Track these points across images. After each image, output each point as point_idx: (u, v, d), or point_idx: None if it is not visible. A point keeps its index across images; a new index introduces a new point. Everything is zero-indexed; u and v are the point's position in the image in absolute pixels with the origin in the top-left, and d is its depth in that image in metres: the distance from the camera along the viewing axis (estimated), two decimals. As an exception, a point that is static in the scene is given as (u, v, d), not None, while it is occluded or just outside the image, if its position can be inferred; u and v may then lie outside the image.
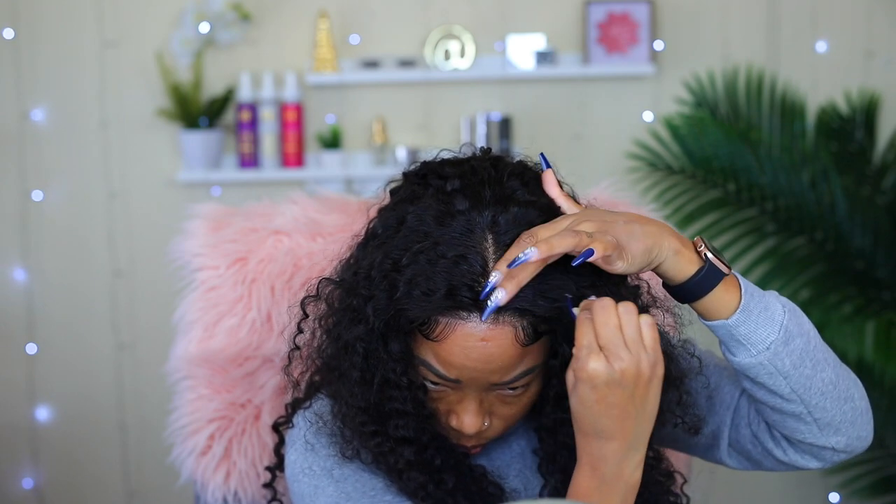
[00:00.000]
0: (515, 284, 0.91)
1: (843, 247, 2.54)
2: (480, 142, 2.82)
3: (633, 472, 0.94)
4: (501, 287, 0.91)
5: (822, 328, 2.37)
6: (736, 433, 1.11)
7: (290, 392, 1.15)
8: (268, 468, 1.24)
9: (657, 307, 1.04)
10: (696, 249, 0.98)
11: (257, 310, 1.37)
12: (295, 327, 1.11)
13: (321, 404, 1.11)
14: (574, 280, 0.95)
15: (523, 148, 1.15)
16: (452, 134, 2.92)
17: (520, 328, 0.96)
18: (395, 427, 1.02)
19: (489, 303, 0.92)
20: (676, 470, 1.15)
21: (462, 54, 2.89)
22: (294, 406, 1.15)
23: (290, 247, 1.39)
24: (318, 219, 1.42)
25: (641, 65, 2.84)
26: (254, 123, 2.88)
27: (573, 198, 1.03)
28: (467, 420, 1.01)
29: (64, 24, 2.91)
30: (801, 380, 1.00)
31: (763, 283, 2.58)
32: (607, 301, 0.91)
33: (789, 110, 2.68)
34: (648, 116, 2.91)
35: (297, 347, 1.12)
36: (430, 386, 1.01)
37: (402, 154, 2.86)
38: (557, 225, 0.95)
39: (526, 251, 0.90)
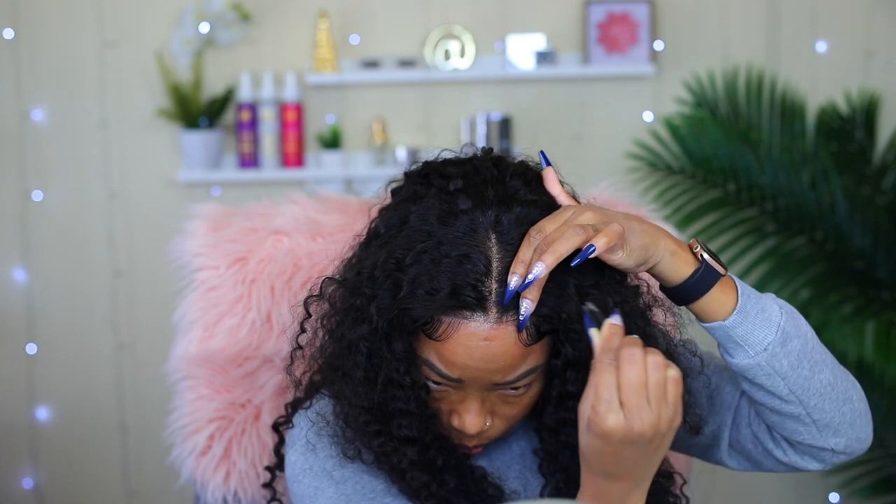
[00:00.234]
0: (537, 288, 0.92)
1: (843, 247, 2.54)
2: (480, 142, 2.82)
3: (636, 502, 0.94)
4: (525, 298, 0.92)
5: (822, 328, 2.37)
6: (736, 433, 1.11)
7: (292, 392, 1.15)
8: (267, 468, 1.23)
9: (658, 306, 1.04)
10: (692, 251, 0.99)
11: (257, 310, 1.37)
12: (298, 327, 1.11)
13: (322, 404, 1.11)
14: (577, 278, 0.95)
15: (524, 148, 1.15)
16: (452, 134, 2.92)
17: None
18: (399, 427, 1.02)
19: (520, 317, 0.93)
20: (676, 471, 1.15)
21: (462, 54, 2.89)
22: (294, 406, 1.14)
23: (290, 247, 1.39)
24: (318, 219, 1.42)
25: (641, 65, 2.84)
26: (254, 123, 2.88)
27: (574, 197, 1.03)
28: (469, 420, 1.01)
29: (64, 24, 2.91)
30: (800, 381, 1.00)
31: (763, 283, 2.58)
32: (636, 351, 0.87)
33: (789, 110, 2.68)
34: (648, 116, 2.91)
35: (300, 347, 1.12)
36: (432, 386, 1.01)
37: (402, 154, 2.86)
38: (560, 216, 0.95)
39: (533, 270, 0.91)
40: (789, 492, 2.93)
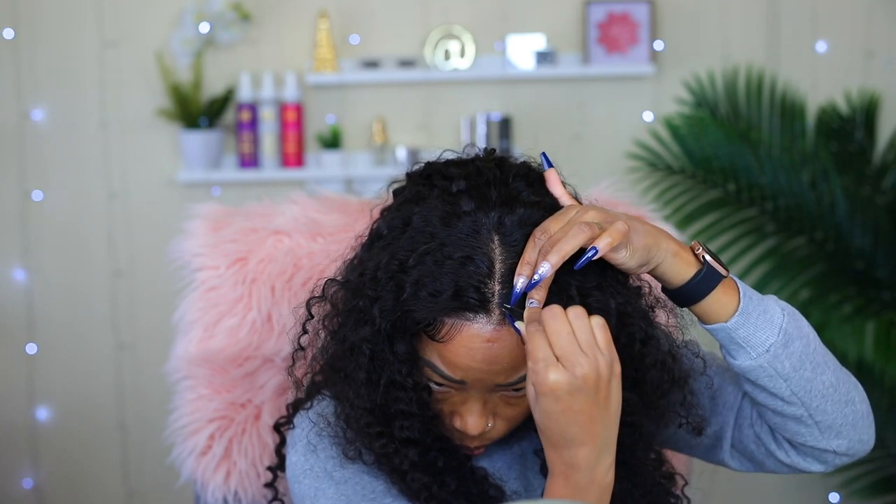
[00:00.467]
0: (543, 288, 0.93)
1: (843, 247, 2.54)
2: (480, 142, 2.82)
3: (605, 474, 0.93)
4: (532, 298, 0.92)
5: (822, 328, 2.37)
6: (739, 434, 1.11)
7: (293, 392, 1.15)
8: (269, 468, 1.24)
9: (661, 307, 1.04)
10: (693, 253, 0.99)
11: (257, 310, 1.37)
12: (299, 328, 1.11)
13: (323, 405, 1.11)
14: (579, 280, 0.95)
15: (525, 149, 1.15)
16: (452, 134, 2.92)
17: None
18: (401, 428, 1.02)
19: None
20: (677, 472, 1.15)
21: (462, 54, 2.89)
22: (295, 407, 1.14)
23: (290, 247, 1.39)
24: (318, 219, 1.42)
25: (641, 65, 2.84)
26: (254, 123, 2.88)
27: (576, 199, 1.03)
28: (471, 421, 1.01)
29: (64, 24, 2.91)
30: (802, 382, 1.00)
31: (763, 283, 2.58)
32: (556, 309, 0.90)
33: (789, 110, 2.68)
34: (648, 116, 2.91)
35: (302, 348, 1.12)
36: (434, 387, 1.01)
37: (402, 154, 2.86)
38: (564, 216, 0.95)
39: (539, 270, 0.91)
40: (789, 492, 2.94)
